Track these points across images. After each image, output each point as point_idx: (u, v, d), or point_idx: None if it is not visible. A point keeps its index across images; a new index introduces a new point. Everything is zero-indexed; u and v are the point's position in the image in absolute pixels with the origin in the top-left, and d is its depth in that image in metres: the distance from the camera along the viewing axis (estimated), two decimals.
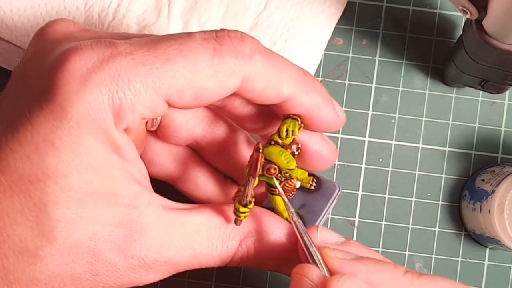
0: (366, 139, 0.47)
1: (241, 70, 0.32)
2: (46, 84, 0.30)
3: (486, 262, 0.47)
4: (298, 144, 0.36)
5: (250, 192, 0.34)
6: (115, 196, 0.31)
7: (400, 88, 0.47)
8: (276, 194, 0.36)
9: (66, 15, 0.45)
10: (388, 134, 0.47)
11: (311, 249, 0.33)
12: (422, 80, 0.48)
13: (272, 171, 0.35)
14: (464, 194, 0.46)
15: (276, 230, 0.36)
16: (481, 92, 0.47)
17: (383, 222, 0.47)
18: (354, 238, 0.47)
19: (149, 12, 0.45)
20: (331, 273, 0.32)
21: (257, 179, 0.34)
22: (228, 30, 0.33)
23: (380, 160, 0.47)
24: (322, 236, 0.35)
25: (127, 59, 0.30)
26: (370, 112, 0.47)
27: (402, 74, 0.48)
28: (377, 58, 0.47)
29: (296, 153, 0.36)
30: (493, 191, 0.43)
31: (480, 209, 0.44)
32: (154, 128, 0.38)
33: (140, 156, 0.39)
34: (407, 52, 0.48)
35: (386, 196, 0.47)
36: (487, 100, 0.47)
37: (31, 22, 0.45)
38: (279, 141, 0.35)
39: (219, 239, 0.34)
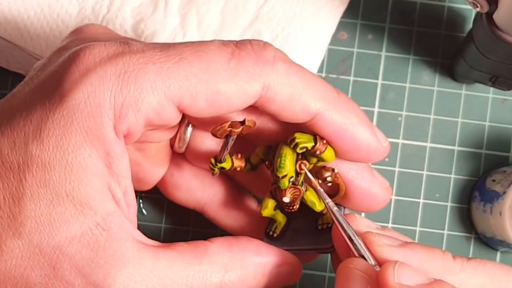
0: None
1: (261, 76, 0.31)
2: (53, 75, 0.30)
3: None
4: (330, 174, 0.34)
5: (224, 151, 0.33)
6: (86, 207, 0.29)
7: (407, 85, 0.48)
8: (270, 192, 0.35)
9: (58, 8, 0.45)
10: (395, 133, 0.47)
11: (354, 239, 0.31)
12: (430, 76, 0.48)
13: (267, 164, 0.34)
14: (474, 195, 0.46)
15: (249, 247, 0.33)
16: (491, 88, 0.47)
17: (390, 225, 0.47)
18: None
19: (145, 5, 0.45)
20: (379, 263, 0.31)
21: (256, 160, 0.34)
22: (250, 40, 0.32)
23: (387, 159, 0.47)
24: (362, 223, 0.33)
25: (137, 57, 0.30)
26: (376, 109, 0.47)
27: (409, 70, 0.48)
28: (383, 53, 0.48)
29: (328, 184, 0.34)
30: (504, 192, 0.43)
31: (491, 211, 0.44)
32: (182, 150, 0.37)
33: (166, 179, 0.38)
34: (414, 47, 0.48)
35: (393, 197, 0.47)
36: (498, 97, 0.47)
37: (22, 15, 0.45)
38: (294, 149, 0.33)
39: (194, 276, 0.31)
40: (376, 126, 0.47)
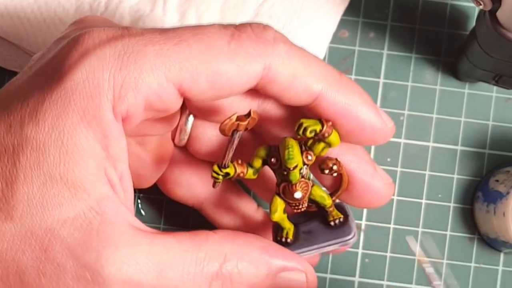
0: None
1: (262, 56, 0.31)
2: (52, 61, 0.30)
3: (500, 268, 0.47)
4: (334, 165, 0.34)
5: (227, 155, 0.32)
6: (80, 190, 0.29)
7: (410, 83, 0.47)
8: (276, 193, 0.34)
9: (55, 5, 0.45)
10: (397, 132, 0.47)
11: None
12: (432, 75, 0.47)
13: (273, 160, 0.34)
14: (477, 196, 0.46)
15: (256, 244, 0.32)
16: (495, 87, 0.47)
17: (392, 225, 0.47)
18: (361, 242, 0.47)
19: (143, 2, 0.45)
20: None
21: (259, 161, 0.33)
22: (250, 22, 0.32)
23: (389, 159, 0.47)
24: None
25: (136, 39, 0.30)
26: None
27: (411, 69, 0.48)
28: (385, 52, 0.47)
29: (333, 174, 0.34)
30: (508, 193, 0.43)
31: (494, 212, 0.44)
32: (183, 142, 0.37)
33: (166, 175, 0.38)
34: (416, 45, 0.48)
35: (395, 197, 0.47)
36: (501, 96, 0.47)
37: (18, 12, 0.45)
38: (308, 143, 0.33)
39: (191, 263, 0.30)
40: None
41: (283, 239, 0.35)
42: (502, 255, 0.47)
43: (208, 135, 0.37)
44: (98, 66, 0.29)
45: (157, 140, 0.37)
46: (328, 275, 0.47)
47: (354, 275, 0.47)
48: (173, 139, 0.37)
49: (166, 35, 0.30)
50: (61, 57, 0.30)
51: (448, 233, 0.47)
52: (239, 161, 0.34)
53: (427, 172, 0.47)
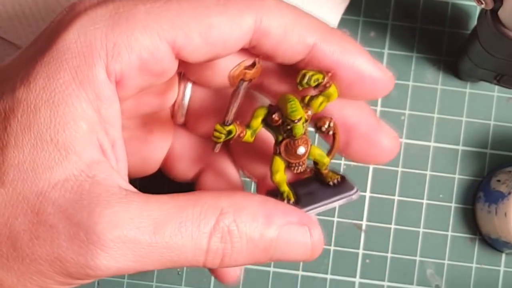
0: None
1: (252, 9, 0.30)
2: (45, 31, 0.30)
3: (502, 269, 0.47)
4: (331, 122, 0.33)
5: (231, 109, 0.32)
6: (71, 152, 0.28)
7: (411, 83, 0.47)
8: (277, 154, 0.34)
9: (54, 4, 0.45)
10: (398, 132, 0.47)
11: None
12: (433, 74, 0.47)
13: (275, 117, 0.32)
14: (479, 196, 0.46)
15: (254, 199, 0.31)
16: (496, 87, 0.47)
17: (392, 226, 0.47)
18: (362, 243, 0.47)
19: None
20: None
21: (258, 121, 0.33)
22: None
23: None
24: None
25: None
26: (378, 108, 0.47)
27: (412, 68, 0.48)
28: (385, 51, 0.47)
29: (330, 132, 0.33)
30: (509, 193, 0.43)
31: (496, 212, 0.44)
32: (182, 119, 0.37)
33: (169, 154, 0.38)
34: (418, 45, 0.48)
35: (396, 197, 0.47)
36: (503, 96, 0.47)
37: (17, 12, 0.45)
38: (305, 100, 0.33)
39: (188, 218, 0.29)
40: None
41: (285, 201, 0.34)
42: (503, 255, 0.47)
43: (205, 106, 0.36)
44: (90, 25, 0.29)
45: (158, 119, 0.37)
46: (329, 276, 0.47)
47: (354, 276, 0.47)
48: (172, 118, 0.37)
49: None
50: (54, 25, 0.30)
51: (449, 233, 0.47)
52: (237, 122, 0.33)
53: (428, 172, 0.47)
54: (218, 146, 0.33)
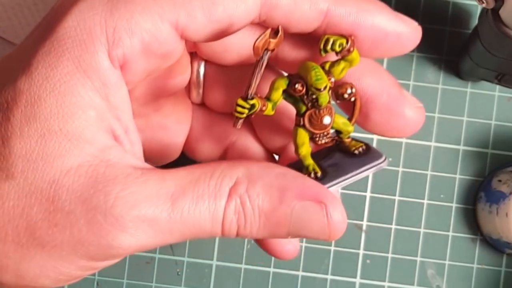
0: (375, 136, 0.47)
1: None
2: (44, 19, 0.30)
3: (503, 269, 0.47)
4: (353, 89, 0.31)
5: (254, 81, 0.30)
6: (82, 141, 0.28)
7: (411, 82, 0.47)
8: (300, 126, 0.32)
9: (53, 3, 0.45)
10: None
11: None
12: (434, 74, 0.47)
13: (298, 87, 0.30)
14: (480, 196, 0.46)
15: (273, 170, 0.30)
16: (497, 86, 0.47)
17: (393, 226, 0.47)
18: (362, 243, 0.47)
19: None
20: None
21: (278, 93, 0.31)
22: None
23: (390, 159, 0.47)
24: None
25: None
26: None
27: (413, 68, 0.47)
28: None
29: (352, 99, 0.32)
30: (510, 193, 0.43)
31: (497, 212, 0.44)
32: (199, 97, 0.36)
33: (190, 137, 0.37)
34: (418, 44, 0.47)
35: (396, 198, 0.47)
36: (504, 95, 0.47)
37: (16, 11, 0.45)
38: (326, 67, 0.31)
39: (205, 191, 0.28)
40: None
41: (312, 175, 0.32)
42: (505, 256, 0.47)
43: (222, 87, 0.35)
44: (88, 11, 0.28)
45: (174, 102, 0.36)
46: (329, 276, 0.46)
47: (355, 276, 0.47)
48: (189, 98, 0.36)
49: None
50: (52, 12, 0.29)
51: (450, 233, 0.47)
52: (258, 95, 0.31)
53: (429, 172, 0.47)
54: (241, 122, 0.31)
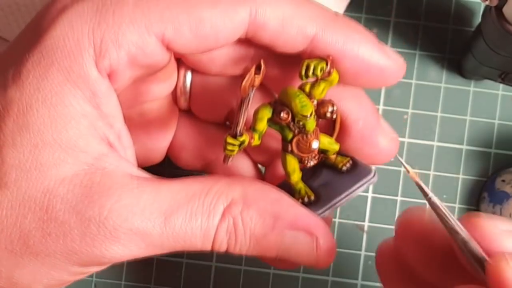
0: None
1: (246, 0, 0.30)
2: (32, 23, 0.30)
3: None
4: (334, 106, 0.32)
5: (242, 118, 0.30)
6: (76, 149, 0.29)
7: (414, 81, 0.47)
8: (288, 151, 0.32)
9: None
10: (401, 131, 0.47)
11: (468, 245, 0.26)
12: (437, 73, 0.47)
13: (283, 115, 0.31)
14: (483, 196, 0.46)
15: (269, 195, 0.31)
16: (501, 85, 0.47)
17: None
18: (364, 244, 0.47)
19: None
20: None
21: (264, 123, 0.31)
22: None
23: (392, 159, 0.47)
24: (486, 224, 0.27)
25: None
26: (381, 107, 0.47)
27: (415, 66, 0.47)
28: None
29: (333, 116, 0.32)
30: None
31: (500, 213, 0.44)
32: (186, 104, 0.36)
33: (173, 142, 0.37)
34: (421, 42, 0.47)
35: (398, 198, 0.47)
36: (507, 94, 0.47)
37: (13, 9, 0.45)
38: (306, 89, 0.32)
39: (199, 208, 0.29)
40: None
41: (306, 199, 0.33)
42: None
43: (209, 91, 0.35)
44: (76, 21, 0.29)
45: (159, 107, 0.36)
46: (330, 278, 0.46)
47: (356, 278, 0.47)
48: (176, 103, 0.37)
49: None
50: (40, 17, 0.30)
51: None
52: (245, 128, 0.31)
53: (432, 172, 0.47)
54: (231, 158, 0.32)
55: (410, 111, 0.47)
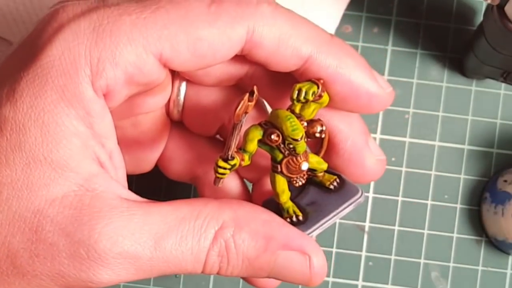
0: (378, 136, 0.47)
1: (244, 18, 0.30)
2: (27, 39, 0.30)
3: (508, 271, 0.47)
4: (323, 126, 0.32)
5: (234, 142, 0.31)
6: (67, 170, 0.29)
7: (415, 80, 0.47)
8: (278, 172, 0.33)
9: (48, 0, 0.45)
10: (402, 131, 0.47)
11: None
12: (438, 72, 0.47)
13: (274, 137, 0.31)
14: (485, 197, 0.46)
15: (260, 216, 0.31)
16: (503, 84, 0.47)
17: (396, 227, 0.47)
18: (365, 245, 0.47)
19: None
20: None
21: (254, 144, 0.32)
22: None
23: (393, 159, 0.47)
24: None
25: (111, 9, 0.29)
26: None
27: (416, 65, 0.47)
28: (389, 48, 0.47)
29: (322, 136, 0.33)
30: None
31: (502, 213, 0.44)
32: (178, 116, 0.36)
33: (163, 153, 0.37)
34: (422, 41, 0.47)
35: (400, 198, 0.47)
36: (509, 94, 0.47)
37: (11, 8, 0.45)
38: (296, 110, 0.32)
39: (189, 231, 0.29)
40: (382, 124, 0.47)
41: (294, 219, 0.33)
42: (510, 258, 0.47)
43: (202, 104, 0.36)
44: (73, 40, 0.29)
45: (151, 119, 0.36)
46: (331, 279, 0.46)
47: (357, 279, 0.47)
48: (168, 115, 0.37)
49: (143, 3, 0.30)
50: (36, 34, 0.30)
51: (455, 235, 0.47)
52: (235, 150, 0.32)
53: (433, 172, 0.47)
54: (222, 181, 0.32)
55: (411, 110, 0.47)
